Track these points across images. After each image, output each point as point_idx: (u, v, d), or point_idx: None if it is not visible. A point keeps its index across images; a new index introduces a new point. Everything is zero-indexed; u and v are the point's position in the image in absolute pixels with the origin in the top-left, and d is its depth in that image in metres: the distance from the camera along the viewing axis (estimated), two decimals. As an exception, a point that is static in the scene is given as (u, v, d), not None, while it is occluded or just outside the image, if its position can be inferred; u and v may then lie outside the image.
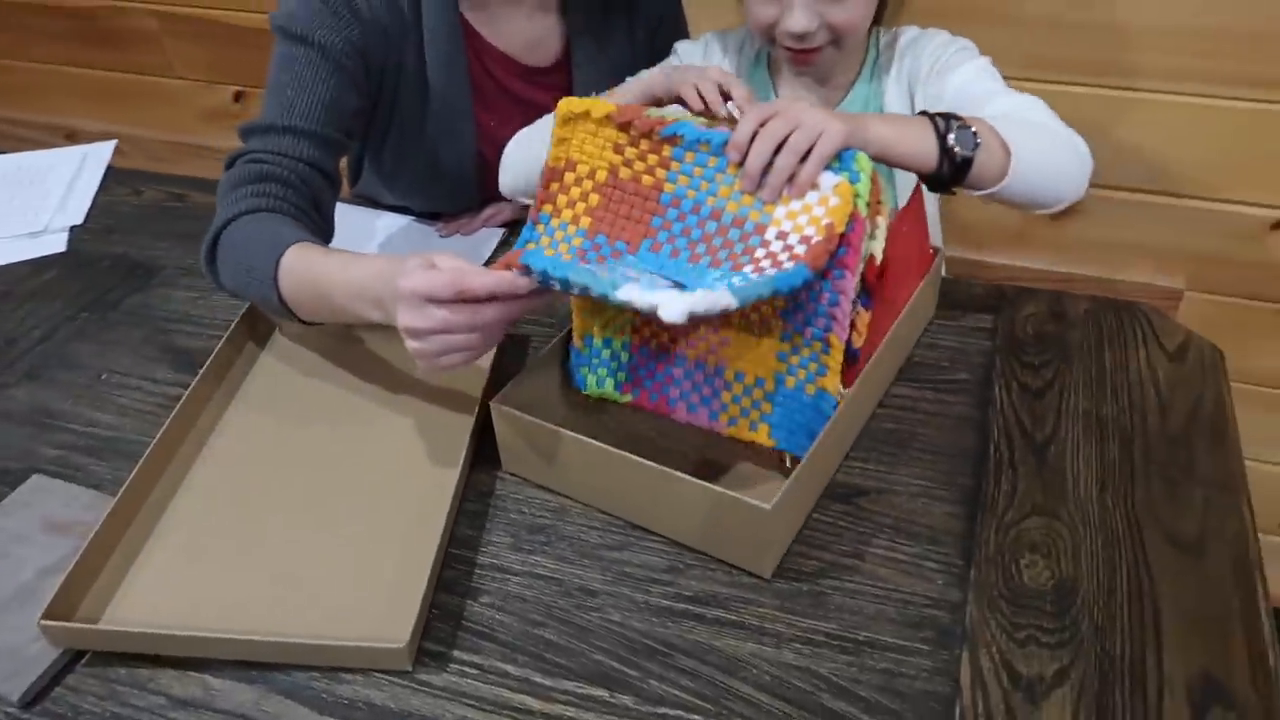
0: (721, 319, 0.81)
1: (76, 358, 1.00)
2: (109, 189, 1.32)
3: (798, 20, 0.91)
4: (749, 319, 0.80)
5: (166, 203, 1.29)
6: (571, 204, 0.83)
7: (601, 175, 0.82)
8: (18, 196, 1.31)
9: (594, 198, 0.82)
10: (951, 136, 0.80)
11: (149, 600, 0.72)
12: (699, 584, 0.72)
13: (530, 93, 1.13)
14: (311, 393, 0.93)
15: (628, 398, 0.87)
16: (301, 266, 0.83)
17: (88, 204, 1.28)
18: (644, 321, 0.85)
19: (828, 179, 0.74)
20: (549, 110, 0.90)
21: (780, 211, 0.75)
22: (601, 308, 0.85)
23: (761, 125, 0.74)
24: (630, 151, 0.81)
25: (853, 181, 0.73)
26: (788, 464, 0.81)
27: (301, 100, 0.95)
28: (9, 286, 1.12)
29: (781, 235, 0.74)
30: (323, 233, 0.97)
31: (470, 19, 1.07)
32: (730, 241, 0.77)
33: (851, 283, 0.74)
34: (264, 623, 0.70)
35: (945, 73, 0.97)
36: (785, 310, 0.78)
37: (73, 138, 2.37)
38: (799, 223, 0.74)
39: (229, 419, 0.90)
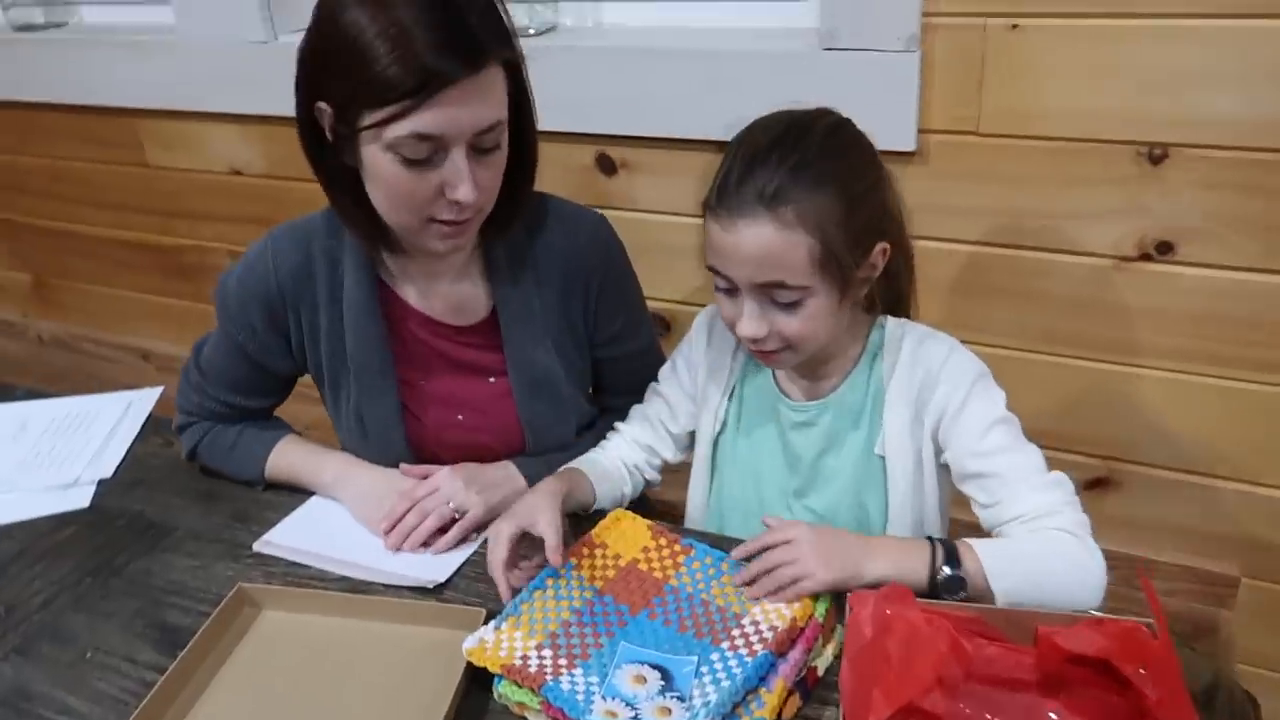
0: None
1: (69, 631, 1.00)
2: (145, 438, 1.37)
3: (745, 327, 0.95)
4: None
5: (194, 455, 1.33)
6: (594, 570, 1.00)
7: (624, 561, 1.01)
8: (59, 444, 1.37)
9: (612, 572, 1.00)
10: (941, 577, 0.90)
11: None
12: None
13: (459, 351, 1.17)
14: (274, 698, 0.91)
15: (540, 699, 0.85)
16: (284, 463, 1.21)
17: (120, 455, 1.33)
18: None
19: None
20: (478, 369, 1.18)
21: (756, 608, 0.92)
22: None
23: (771, 546, 0.94)
24: (653, 554, 1.02)
25: (814, 599, 0.92)
26: None
27: (220, 372, 1.21)
28: (26, 543, 1.15)
29: (754, 623, 0.90)
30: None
31: (393, 285, 1.14)
32: (714, 621, 0.92)
33: (801, 657, 0.87)
34: None
35: (960, 425, 0.98)
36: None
37: (147, 358, 2.53)
38: (770, 618, 0.90)
39: (199, 712, 0.88)
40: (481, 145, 0.97)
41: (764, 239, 0.91)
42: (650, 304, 1.32)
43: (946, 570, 0.90)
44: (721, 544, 1.06)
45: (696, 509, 1.17)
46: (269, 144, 1.94)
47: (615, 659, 0.88)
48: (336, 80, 0.95)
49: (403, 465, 1.17)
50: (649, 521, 1.06)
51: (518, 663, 0.87)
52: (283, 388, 1.26)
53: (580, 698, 0.83)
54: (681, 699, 0.83)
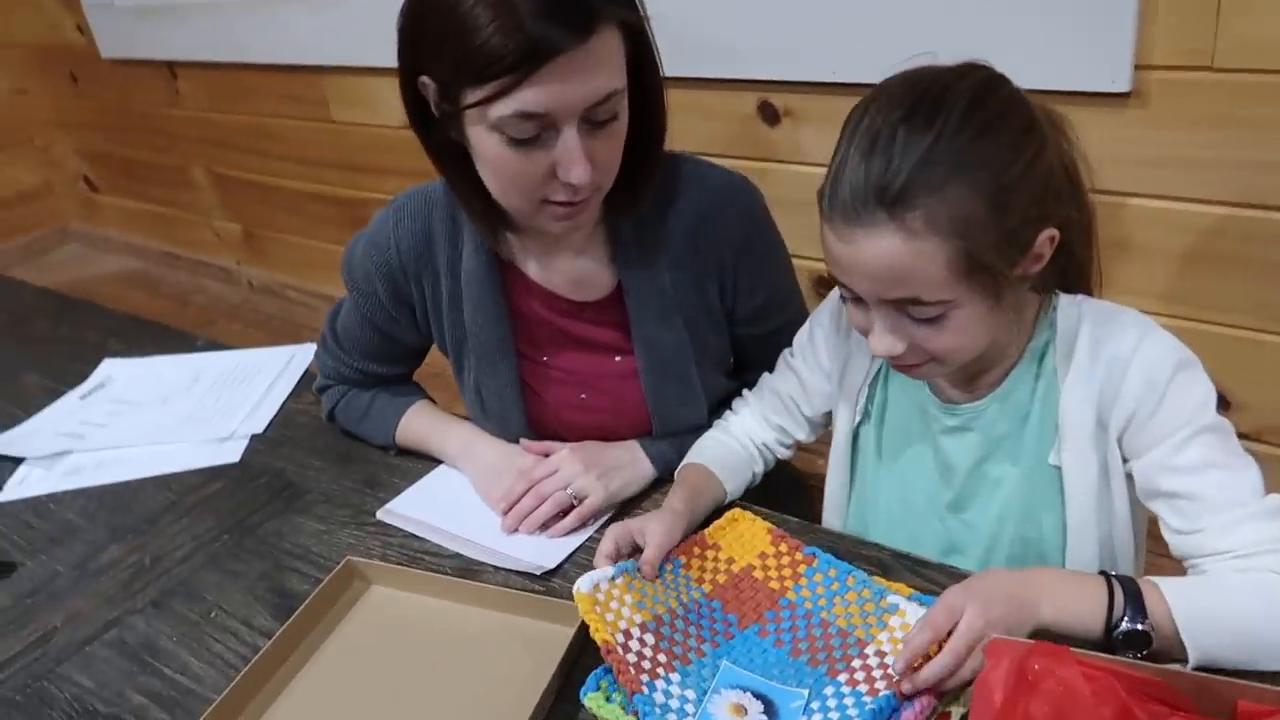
0: None
1: (200, 588, 1.03)
2: (299, 394, 1.41)
3: (878, 344, 0.79)
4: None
5: (340, 414, 1.34)
6: (703, 571, 0.92)
7: (738, 566, 0.92)
8: (224, 397, 1.42)
9: (723, 577, 0.91)
10: (1120, 631, 0.73)
11: None
12: None
13: (581, 328, 1.09)
14: (372, 675, 0.88)
15: (629, 718, 0.77)
16: (413, 430, 1.19)
17: (274, 411, 1.37)
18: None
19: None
20: (602, 346, 1.10)
21: (884, 635, 0.80)
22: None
23: (955, 647, 0.72)
24: (770, 561, 0.92)
25: None
26: None
27: (353, 340, 1.20)
28: (179, 495, 1.20)
29: (879, 654, 0.79)
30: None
31: (513, 258, 1.07)
32: (831, 647, 0.81)
33: (929, 704, 0.73)
34: None
35: (1152, 431, 0.80)
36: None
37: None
38: (898, 648, 0.77)
39: (293, 689, 0.87)
40: (596, 118, 0.87)
41: (887, 252, 0.74)
42: (815, 265, 1.19)
43: (1127, 623, 0.73)
44: (857, 551, 0.94)
45: (834, 507, 1.04)
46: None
47: (716, 679, 0.79)
48: (436, 53, 0.87)
49: (524, 441, 1.12)
50: (769, 525, 0.96)
51: (619, 638, 0.80)
52: (414, 355, 1.24)
53: (673, 719, 0.75)
54: None
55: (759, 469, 1.07)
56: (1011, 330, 0.85)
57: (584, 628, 0.86)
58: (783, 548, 0.92)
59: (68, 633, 0.99)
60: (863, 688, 0.76)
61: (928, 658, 0.73)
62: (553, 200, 0.92)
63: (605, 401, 1.12)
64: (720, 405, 1.15)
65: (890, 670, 0.76)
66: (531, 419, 1.13)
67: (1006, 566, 0.88)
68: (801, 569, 0.90)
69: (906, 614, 0.82)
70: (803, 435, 1.07)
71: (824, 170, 0.79)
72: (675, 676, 0.79)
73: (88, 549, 1.11)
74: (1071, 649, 0.68)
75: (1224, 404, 1.30)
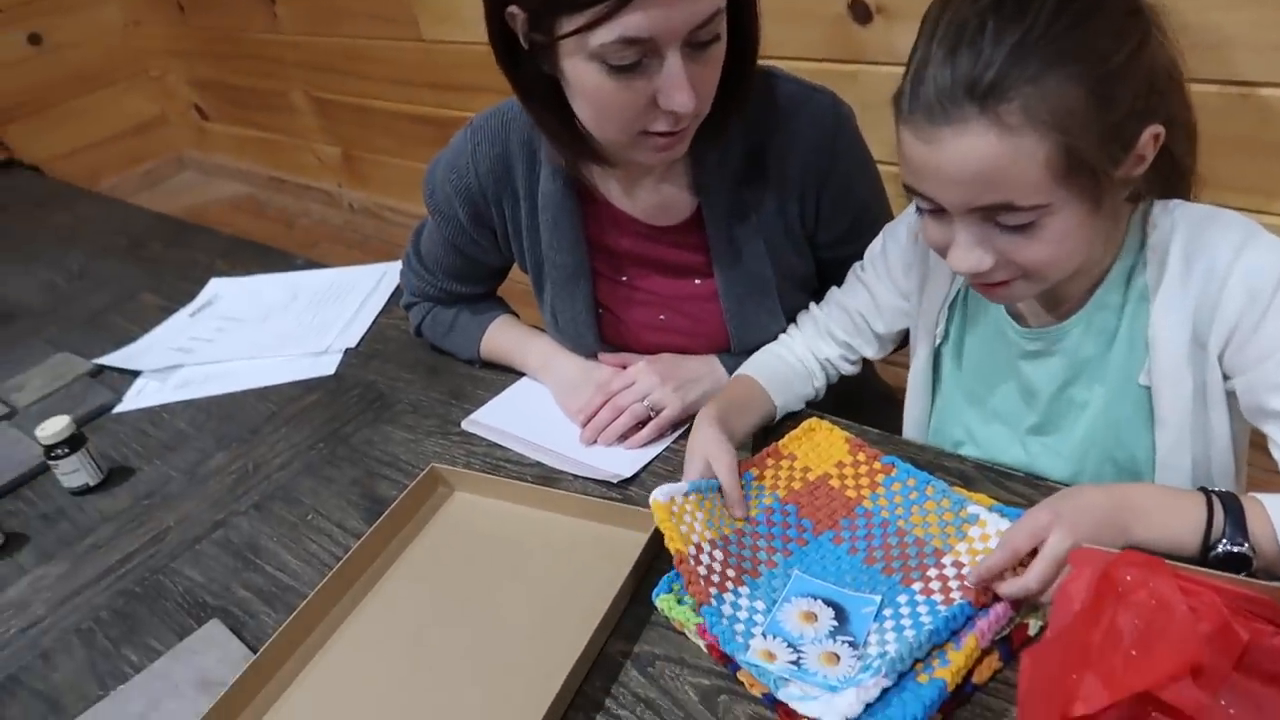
0: None
1: (298, 492, 1.08)
2: (389, 310, 1.44)
3: (961, 259, 0.74)
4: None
5: (429, 329, 1.37)
6: (776, 479, 0.92)
7: (814, 475, 0.91)
8: (320, 313, 1.47)
9: (798, 484, 0.91)
10: (1218, 552, 0.70)
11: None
12: None
13: (661, 251, 1.06)
14: (455, 577, 0.92)
15: (699, 620, 0.77)
16: (495, 345, 1.22)
17: (366, 326, 1.41)
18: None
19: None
20: (683, 269, 1.08)
21: (962, 546, 0.79)
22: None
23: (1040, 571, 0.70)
24: (847, 470, 0.91)
25: None
26: None
27: (436, 260, 1.21)
28: (279, 406, 1.26)
29: (957, 564, 0.77)
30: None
31: (594, 183, 1.05)
32: (907, 555, 0.80)
33: (1006, 613, 0.72)
34: None
35: (1257, 345, 0.73)
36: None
37: (431, 227, 2.69)
38: (976, 559, 0.76)
39: (380, 588, 0.91)
40: (698, 40, 0.83)
41: (981, 151, 0.68)
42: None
43: (1225, 544, 0.69)
44: (939, 462, 0.92)
45: (914, 428, 1.01)
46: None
47: (787, 588, 0.79)
48: None
49: (601, 355, 1.12)
50: (847, 434, 0.94)
51: (691, 550, 0.80)
52: (496, 275, 1.25)
53: (740, 629, 0.75)
54: (854, 644, 0.73)
55: (819, 384, 1.05)
56: (1104, 243, 0.79)
57: (658, 534, 0.87)
58: (860, 457, 0.91)
59: (180, 532, 1.05)
60: (937, 597, 0.74)
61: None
62: (652, 131, 0.89)
63: (684, 323, 1.11)
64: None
65: (966, 584, 0.74)
66: (608, 340, 1.13)
67: None
68: (880, 478, 0.88)
69: (987, 525, 0.79)
70: (870, 352, 1.04)
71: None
72: (744, 589, 0.79)
73: (197, 456, 1.18)
74: (1167, 560, 0.64)
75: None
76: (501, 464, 1.06)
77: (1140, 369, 0.81)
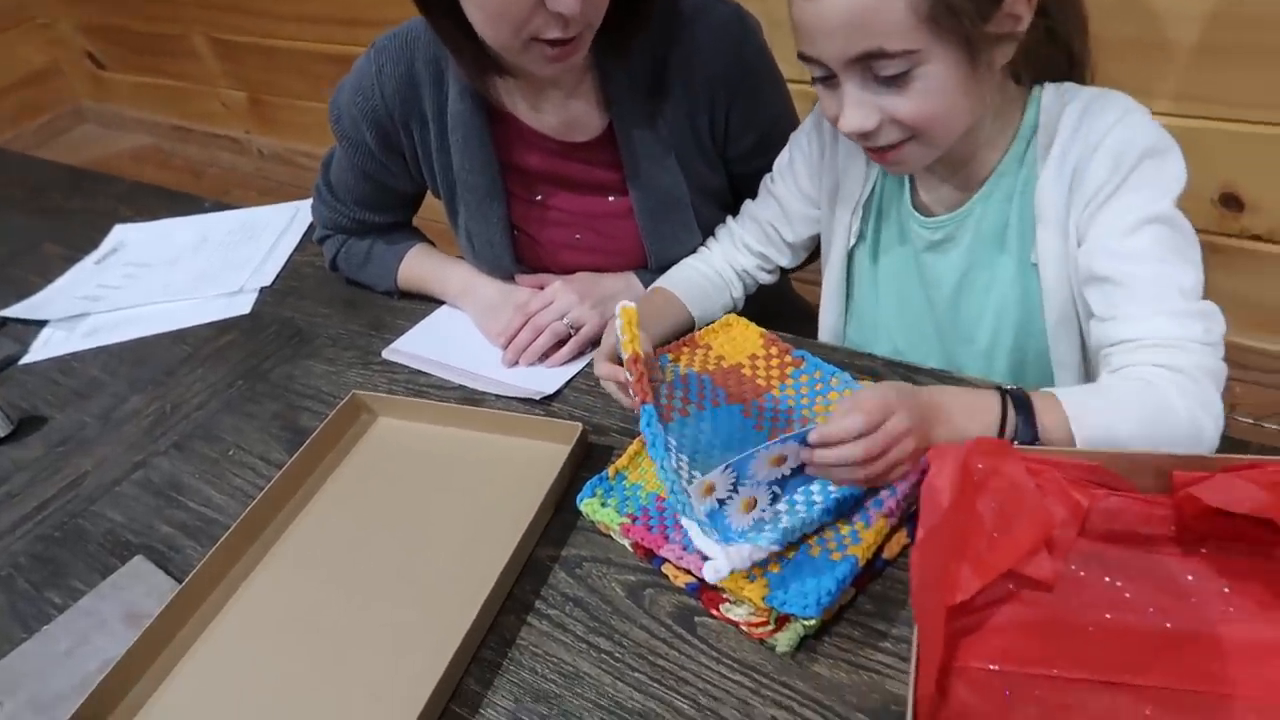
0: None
1: (218, 429, 1.07)
2: (304, 247, 1.42)
3: (848, 119, 0.75)
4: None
5: (345, 264, 1.35)
6: (691, 361, 0.94)
7: (728, 363, 0.94)
8: (234, 252, 1.44)
9: (712, 368, 0.94)
10: (1009, 431, 0.72)
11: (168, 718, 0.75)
12: (686, 808, 0.62)
13: (573, 168, 1.07)
14: (381, 498, 0.92)
15: (623, 520, 0.79)
16: (413, 274, 1.20)
17: (281, 264, 1.38)
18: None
19: None
20: (596, 186, 1.08)
21: None
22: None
23: (868, 431, 0.70)
24: (759, 362, 0.93)
25: None
26: (771, 624, 0.70)
27: (347, 189, 1.19)
28: (195, 348, 1.23)
29: None
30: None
31: (502, 100, 1.04)
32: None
33: (913, 492, 0.74)
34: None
35: (1105, 213, 0.76)
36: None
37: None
38: None
39: (307, 513, 0.91)
40: None
41: None
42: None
43: (1016, 445, 0.70)
44: (851, 361, 0.94)
45: (830, 333, 1.04)
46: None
47: (699, 444, 0.82)
48: None
49: (519, 277, 1.13)
50: (764, 330, 0.96)
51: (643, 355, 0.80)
52: (409, 202, 1.23)
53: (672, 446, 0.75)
54: (777, 498, 0.74)
55: (737, 294, 1.07)
56: (996, 123, 0.82)
57: (581, 444, 0.89)
58: (773, 350, 0.93)
59: (98, 476, 1.04)
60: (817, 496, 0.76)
61: None
62: (542, 38, 0.88)
63: (600, 241, 1.11)
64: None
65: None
66: (524, 261, 1.13)
67: (1008, 380, 0.84)
68: (789, 370, 0.91)
69: None
70: (785, 261, 1.06)
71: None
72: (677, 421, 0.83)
73: (112, 401, 1.16)
74: (1013, 443, 0.68)
75: (1237, 205, 1.26)
76: (424, 390, 1.06)
77: (1032, 248, 0.83)
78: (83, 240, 1.56)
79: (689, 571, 0.74)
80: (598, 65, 1.00)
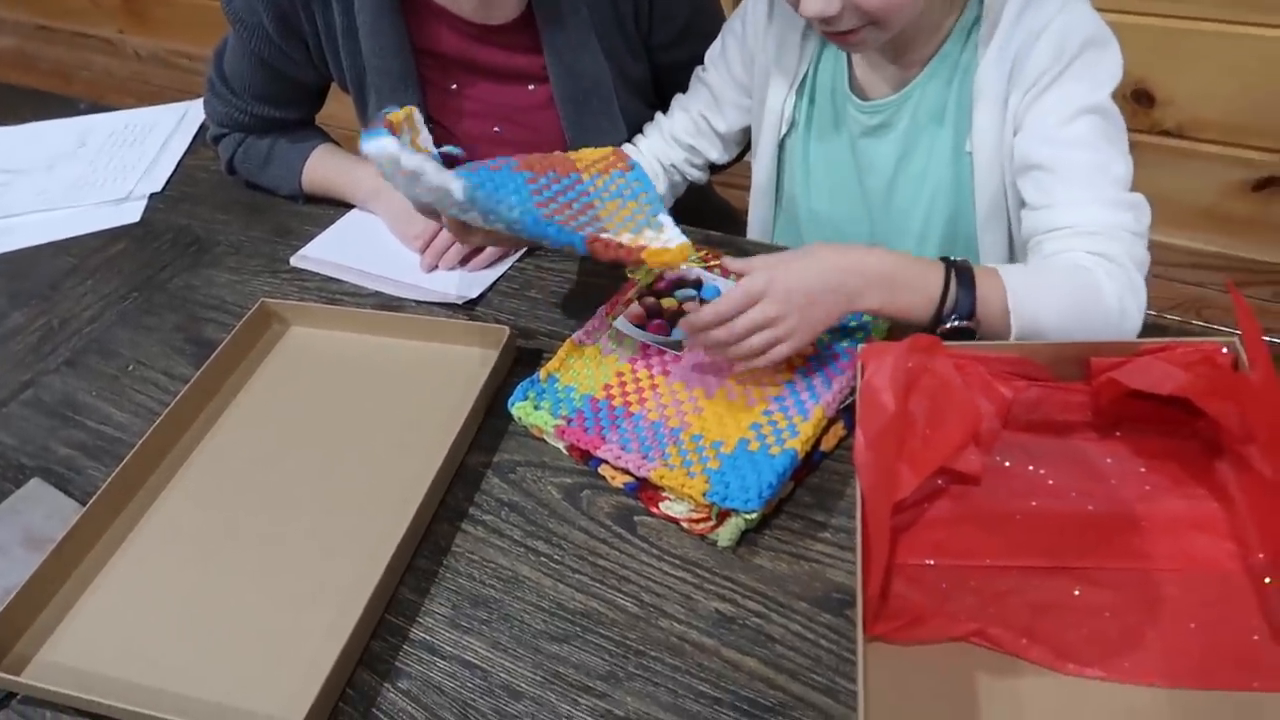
0: (707, 395, 0.78)
1: (114, 344, 1.00)
2: (196, 150, 1.32)
3: (812, 3, 0.73)
4: (736, 395, 0.77)
5: (243, 168, 1.27)
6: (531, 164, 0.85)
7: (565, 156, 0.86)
8: (116, 157, 1.33)
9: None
10: (946, 326, 0.73)
11: (81, 644, 0.71)
12: (636, 703, 0.62)
13: (491, 54, 1.01)
14: (299, 409, 0.88)
15: (557, 422, 0.78)
16: (320, 175, 1.13)
17: (171, 168, 1.28)
18: (620, 386, 0.81)
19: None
20: (515, 74, 1.02)
21: (627, 235, 0.76)
22: (589, 365, 0.83)
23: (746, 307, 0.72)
24: (597, 164, 0.85)
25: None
26: (712, 519, 0.70)
27: (243, 80, 1.10)
28: (81, 259, 1.14)
29: (616, 241, 0.76)
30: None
31: None
32: (577, 215, 0.79)
33: (848, 384, 0.75)
34: (182, 682, 0.66)
35: (1042, 102, 0.76)
36: (778, 396, 0.76)
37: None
38: (622, 239, 0.76)
39: (220, 426, 0.87)
40: None
41: None
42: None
43: (955, 320, 0.72)
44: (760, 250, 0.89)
45: (760, 226, 1.02)
46: None
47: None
48: None
49: None
50: (632, 160, 0.86)
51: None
52: (312, 96, 1.15)
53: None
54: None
55: (663, 189, 1.04)
56: (942, 7, 0.80)
57: (509, 348, 0.86)
58: (614, 157, 0.86)
59: (-19, 397, 0.96)
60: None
61: None
62: None
63: (521, 134, 1.06)
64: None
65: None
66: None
67: None
68: (613, 171, 0.84)
69: (665, 232, 0.77)
70: (714, 154, 1.03)
71: None
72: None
73: (-10, 317, 1.07)
74: (942, 341, 0.68)
75: (1148, 100, 1.28)
76: (339, 297, 1.01)
77: (968, 135, 0.83)
78: (-58, 146, 1.42)
79: (627, 471, 0.73)
80: None
